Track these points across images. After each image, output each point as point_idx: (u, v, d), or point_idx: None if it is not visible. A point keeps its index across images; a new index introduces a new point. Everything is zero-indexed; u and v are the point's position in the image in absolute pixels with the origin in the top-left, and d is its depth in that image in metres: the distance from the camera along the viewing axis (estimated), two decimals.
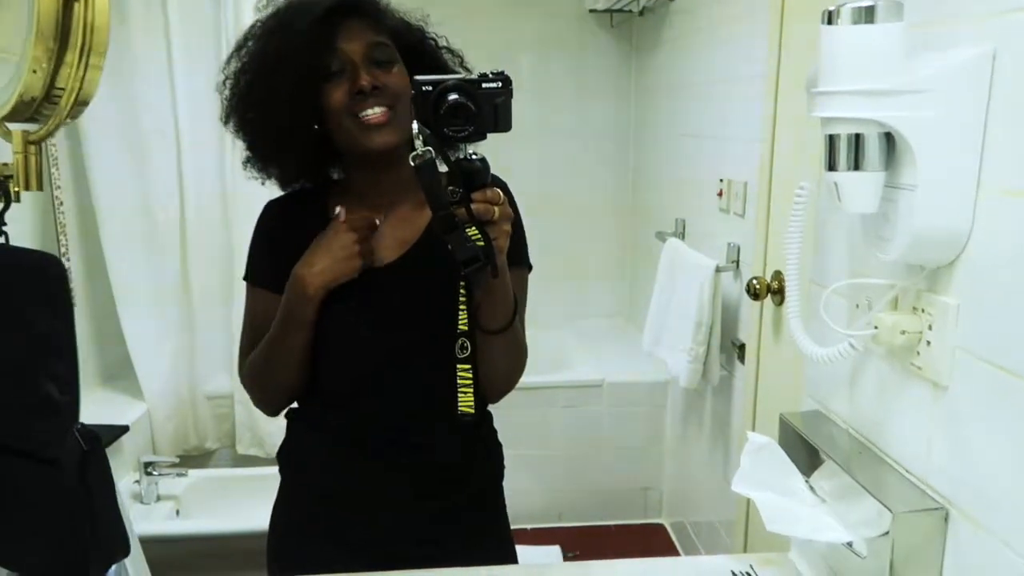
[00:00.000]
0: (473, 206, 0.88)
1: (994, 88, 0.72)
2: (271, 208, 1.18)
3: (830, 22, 0.76)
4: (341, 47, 1.03)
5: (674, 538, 2.78)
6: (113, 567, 0.92)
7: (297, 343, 1.07)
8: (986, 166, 0.74)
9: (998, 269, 0.72)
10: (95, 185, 2.39)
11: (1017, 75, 0.70)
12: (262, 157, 1.11)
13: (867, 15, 0.73)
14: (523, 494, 2.76)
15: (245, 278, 1.16)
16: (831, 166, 0.78)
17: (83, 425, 0.88)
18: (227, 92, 1.09)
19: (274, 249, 1.14)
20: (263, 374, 1.12)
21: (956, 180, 0.75)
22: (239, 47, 1.08)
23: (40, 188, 0.78)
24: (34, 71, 0.71)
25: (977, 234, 0.75)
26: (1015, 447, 0.70)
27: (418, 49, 1.11)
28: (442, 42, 1.14)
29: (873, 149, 0.76)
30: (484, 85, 0.88)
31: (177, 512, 2.26)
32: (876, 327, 0.84)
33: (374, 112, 1.02)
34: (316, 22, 1.02)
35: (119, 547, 0.91)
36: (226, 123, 1.10)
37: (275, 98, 1.02)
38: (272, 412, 1.18)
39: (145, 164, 2.45)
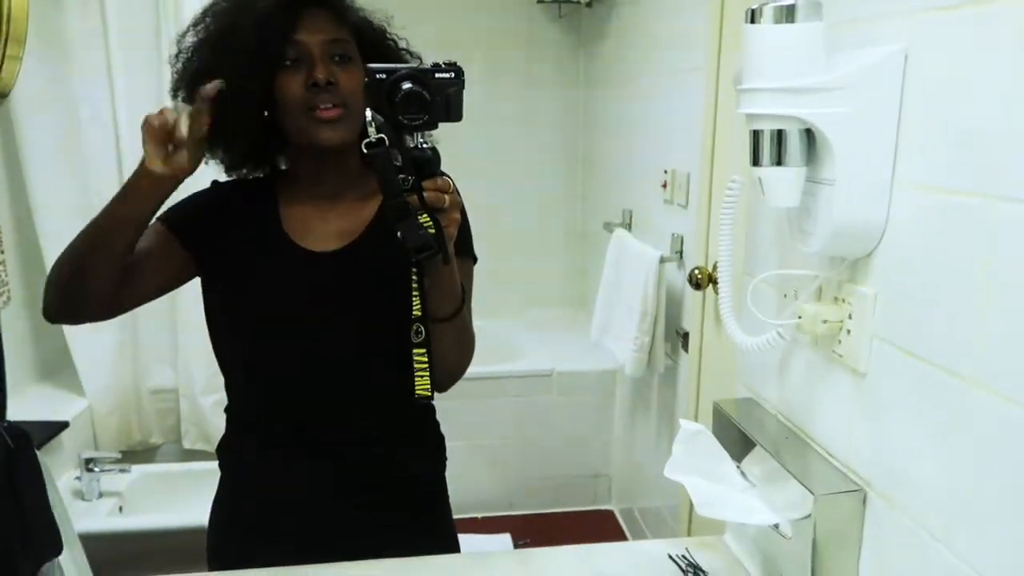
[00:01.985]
0: (425, 194, 0.88)
1: (906, 86, 0.75)
2: (216, 183, 1.17)
3: (753, 20, 0.78)
4: (300, 38, 1.02)
5: (623, 524, 2.83)
6: (45, 565, 0.90)
7: (122, 226, 1.00)
8: (900, 161, 0.77)
9: (912, 260, 0.76)
10: (31, 178, 2.32)
11: (928, 73, 0.73)
12: (208, 145, 1.09)
13: (788, 14, 0.76)
14: (473, 483, 2.78)
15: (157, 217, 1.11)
16: (755, 161, 0.81)
17: (10, 423, 0.86)
18: (179, 65, 1.07)
19: (203, 214, 1.13)
20: (73, 258, 1.03)
21: (872, 175, 0.78)
22: (196, 22, 1.06)
23: None
24: None
25: (892, 227, 0.78)
26: (927, 432, 0.74)
27: (378, 49, 1.10)
28: (403, 44, 1.14)
29: (794, 145, 0.79)
30: (437, 75, 0.89)
31: (120, 509, 2.22)
32: (800, 317, 0.87)
33: (326, 107, 1.02)
34: (277, 7, 1.01)
35: (50, 546, 0.89)
36: (174, 97, 1.08)
37: (223, 77, 1.01)
38: (63, 309, 1.06)
39: (83, 155, 2.38)
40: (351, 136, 1.04)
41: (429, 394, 1.02)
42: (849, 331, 0.83)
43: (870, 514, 0.83)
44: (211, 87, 0.97)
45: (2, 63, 0.70)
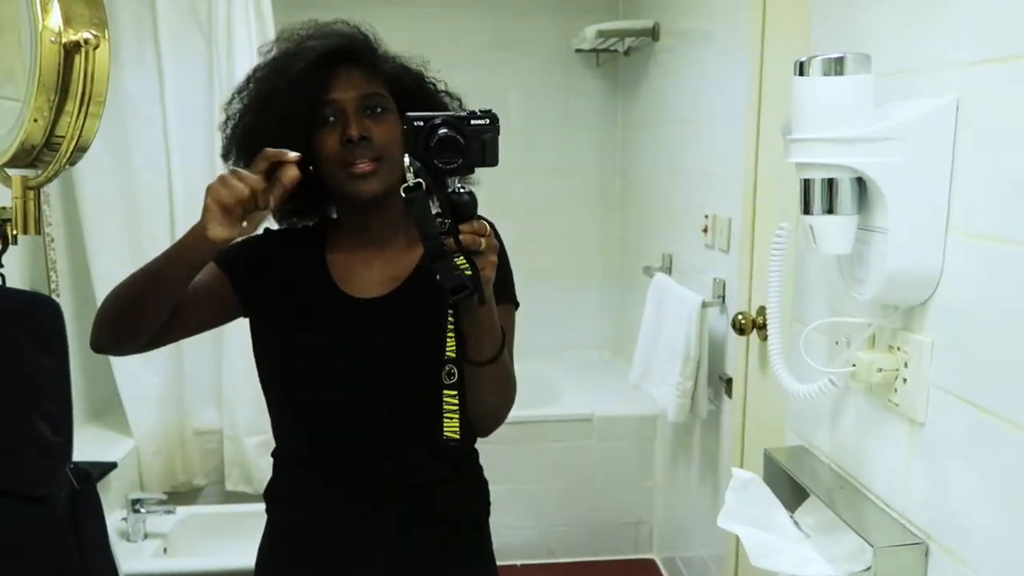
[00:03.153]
0: (461, 237, 0.91)
1: (959, 135, 0.76)
2: (268, 231, 1.20)
3: (802, 73, 0.79)
4: (334, 96, 1.06)
5: (665, 573, 2.77)
6: None
7: (175, 277, 1.01)
8: (954, 210, 0.77)
9: (969, 308, 0.75)
10: (86, 222, 2.40)
11: (979, 124, 0.73)
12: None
13: (837, 67, 0.77)
14: (513, 529, 2.74)
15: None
16: (806, 210, 0.81)
17: (75, 463, 0.88)
18: (228, 131, 1.11)
19: (255, 259, 1.15)
20: (124, 298, 1.04)
21: (925, 223, 0.78)
22: (240, 89, 1.11)
23: (38, 232, 0.80)
24: (35, 120, 0.73)
25: (948, 275, 0.78)
26: (989, 482, 0.72)
27: (417, 94, 1.12)
28: (441, 86, 1.16)
29: (846, 193, 0.79)
30: (472, 121, 0.92)
31: (165, 550, 2.24)
32: (854, 365, 0.86)
33: (362, 162, 1.05)
34: (310, 68, 1.05)
35: None
36: (226, 160, 1.12)
37: (268, 141, 1.05)
38: (110, 343, 1.07)
39: (137, 201, 2.46)
40: (387, 187, 1.07)
41: (457, 437, 1.02)
42: (905, 380, 0.83)
43: (932, 567, 0.81)
44: (294, 174, 0.98)
45: (84, 120, 0.74)
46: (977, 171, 0.74)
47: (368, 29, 1.12)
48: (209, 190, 0.95)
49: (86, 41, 0.72)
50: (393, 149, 1.06)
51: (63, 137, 0.75)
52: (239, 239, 1.01)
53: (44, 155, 0.76)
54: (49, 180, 0.78)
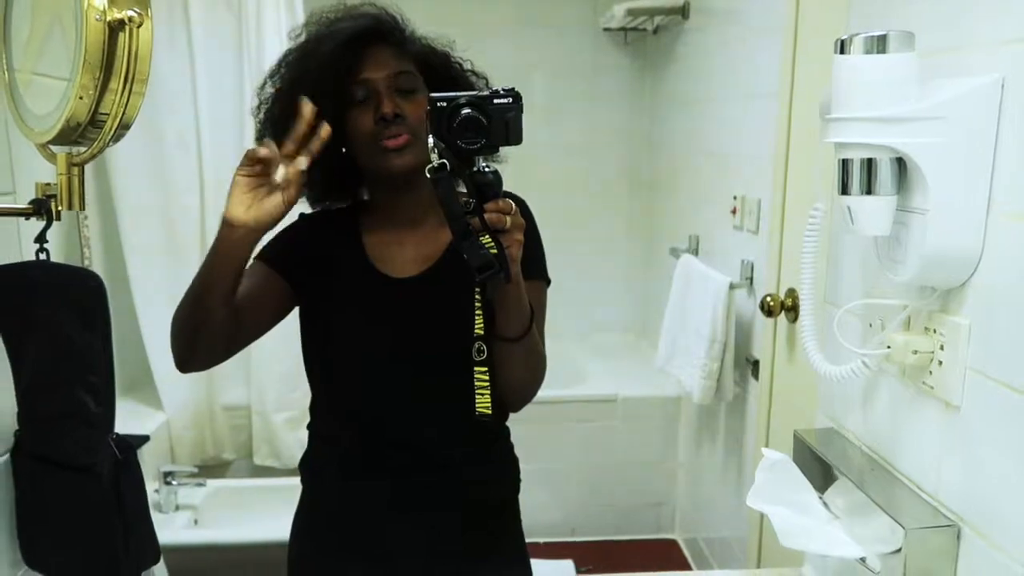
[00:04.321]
0: (486, 216, 0.91)
1: (1003, 115, 0.74)
2: (303, 215, 1.21)
3: (843, 51, 0.78)
4: (366, 76, 1.06)
5: (687, 554, 2.78)
6: (143, 574, 0.95)
7: (220, 277, 1.02)
8: (996, 190, 0.76)
9: (1009, 290, 0.74)
10: (118, 198, 2.44)
11: None
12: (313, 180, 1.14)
13: (879, 45, 0.76)
14: (537, 508, 2.76)
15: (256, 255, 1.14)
16: (844, 190, 0.81)
17: (118, 435, 0.91)
18: (260, 116, 1.12)
19: (296, 244, 1.17)
20: (189, 311, 1.05)
21: (966, 204, 0.77)
22: (272, 73, 1.12)
23: (82, 208, 0.82)
24: (81, 97, 0.74)
25: (987, 257, 0.77)
26: None
27: (443, 73, 1.13)
28: (467, 65, 1.17)
29: (885, 174, 0.79)
30: (496, 101, 0.92)
31: (195, 521, 2.29)
32: (889, 346, 0.86)
33: (394, 139, 1.06)
34: (340, 48, 1.05)
35: (150, 554, 0.94)
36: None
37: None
38: (189, 359, 1.08)
39: (167, 179, 2.49)
40: (419, 162, 1.07)
41: (489, 412, 1.03)
42: (941, 362, 0.82)
43: (964, 550, 0.81)
44: (325, 132, 0.99)
45: (128, 98, 0.75)
46: (1021, 151, 0.73)
47: (395, 11, 1.13)
48: (233, 185, 0.98)
49: (130, 19, 0.73)
50: (424, 127, 1.06)
51: (107, 115, 0.76)
52: (264, 233, 1.02)
53: (88, 132, 0.78)
54: (93, 157, 0.79)
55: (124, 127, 0.78)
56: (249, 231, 0.98)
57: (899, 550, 0.82)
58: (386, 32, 1.09)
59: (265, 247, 1.15)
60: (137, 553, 0.92)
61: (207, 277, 1.03)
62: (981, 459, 0.78)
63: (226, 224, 0.98)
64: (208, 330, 1.05)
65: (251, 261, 1.11)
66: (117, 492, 0.89)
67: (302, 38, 1.11)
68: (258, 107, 1.12)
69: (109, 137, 0.78)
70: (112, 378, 0.89)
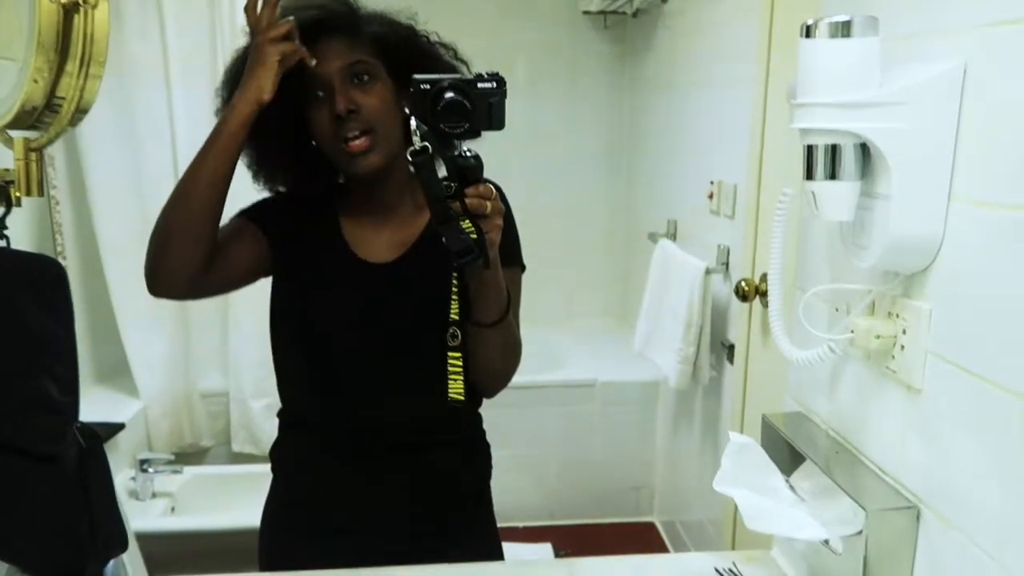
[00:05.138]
0: (466, 200, 0.91)
1: (965, 101, 0.75)
2: (286, 194, 1.19)
3: (808, 35, 0.78)
4: (318, 70, 1.04)
5: (664, 536, 2.81)
6: (111, 562, 0.94)
7: (216, 164, 1.02)
8: (957, 176, 0.76)
9: (968, 276, 0.75)
10: (91, 185, 2.41)
11: (987, 88, 0.72)
12: (265, 176, 1.14)
13: (844, 29, 0.76)
14: (515, 492, 2.79)
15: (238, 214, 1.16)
16: (809, 175, 0.81)
17: (83, 423, 0.90)
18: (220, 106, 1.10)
19: (278, 207, 1.17)
20: (172, 207, 1.05)
21: (928, 190, 0.77)
22: (229, 69, 1.10)
23: (41, 194, 0.80)
24: (35, 81, 0.73)
25: (949, 242, 0.78)
26: (984, 449, 0.73)
27: (409, 49, 1.10)
28: (434, 37, 1.14)
29: (849, 159, 0.79)
30: (479, 85, 0.92)
31: (172, 509, 2.28)
32: (852, 331, 0.86)
33: (355, 140, 1.04)
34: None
35: (117, 542, 0.93)
36: None
37: (265, 120, 1.04)
38: (158, 267, 1.05)
39: (141, 165, 2.46)
40: (385, 159, 1.06)
41: (462, 398, 1.04)
42: (903, 346, 0.83)
43: (923, 531, 0.82)
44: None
45: (85, 81, 0.74)
46: (982, 137, 0.73)
47: None
48: (271, 44, 0.99)
49: (84, 0, 0.72)
50: (384, 118, 1.05)
51: (64, 98, 0.75)
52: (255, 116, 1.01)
53: (45, 117, 0.76)
54: (51, 142, 0.78)
55: (82, 111, 0.76)
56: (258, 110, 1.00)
57: (860, 532, 0.83)
58: (337, 22, 1.06)
59: (249, 207, 1.15)
60: (105, 542, 0.91)
61: (208, 151, 1.02)
62: (941, 442, 0.79)
63: (251, 103, 0.99)
64: (186, 232, 1.03)
65: (232, 218, 1.12)
66: (83, 481, 0.89)
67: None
68: (221, 107, 1.10)
69: (66, 121, 0.76)
70: (76, 365, 0.89)
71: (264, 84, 0.99)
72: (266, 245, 1.14)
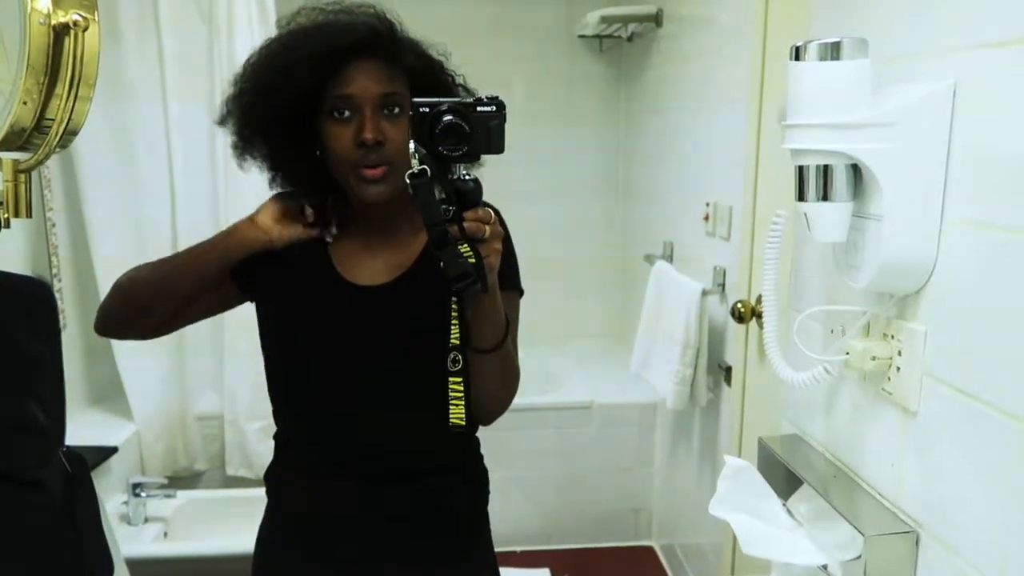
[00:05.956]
0: (465, 224, 0.90)
1: (955, 121, 0.75)
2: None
3: (797, 58, 0.78)
4: (351, 92, 1.02)
5: (663, 561, 2.78)
6: None
7: (207, 269, 1.09)
8: (950, 197, 0.76)
9: (964, 297, 0.74)
10: (88, 207, 2.41)
11: (977, 109, 0.72)
12: (284, 177, 1.14)
13: (833, 51, 0.76)
14: (513, 516, 2.76)
15: None
16: (801, 196, 0.81)
17: (69, 448, 0.89)
18: (232, 102, 1.09)
19: (260, 266, 1.15)
20: (152, 286, 1.10)
21: (920, 210, 0.77)
22: (250, 59, 1.08)
23: (29, 215, 0.80)
24: (24, 103, 0.72)
25: (942, 263, 0.77)
26: (981, 472, 0.72)
27: (437, 89, 1.08)
28: (459, 80, 1.13)
29: (841, 180, 0.79)
30: (479, 108, 0.91)
31: (165, 534, 2.25)
32: (848, 353, 0.86)
33: (372, 170, 1.03)
34: (327, 55, 1.01)
35: (101, 568, 0.91)
36: (222, 124, 1.11)
37: (274, 117, 1.04)
38: (117, 325, 1.14)
39: (137, 186, 2.46)
40: (393, 192, 1.05)
41: (463, 423, 1.02)
42: (899, 368, 0.82)
43: (923, 556, 0.80)
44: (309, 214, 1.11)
45: (74, 103, 0.73)
46: (974, 157, 0.73)
47: (393, 16, 1.08)
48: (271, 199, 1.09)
49: (75, 23, 0.72)
50: (404, 152, 1.03)
51: (53, 120, 0.74)
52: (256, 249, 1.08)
53: (35, 138, 0.76)
54: (40, 163, 0.77)
55: (71, 133, 0.76)
56: (264, 239, 1.08)
57: (859, 557, 0.82)
58: (380, 45, 1.04)
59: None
60: (90, 567, 0.90)
61: (194, 260, 1.07)
62: (938, 465, 0.78)
63: (247, 222, 1.05)
64: (159, 307, 1.09)
65: None
66: (69, 507, 0.87)
67: (290, 27, 1.06)
68: (238, 94, 1.08)
69: (55, 143, 0.76)
70: (62, 388, 0.87)
71: (275, 238, 1.09)
72: (230, 283, 1.14)
